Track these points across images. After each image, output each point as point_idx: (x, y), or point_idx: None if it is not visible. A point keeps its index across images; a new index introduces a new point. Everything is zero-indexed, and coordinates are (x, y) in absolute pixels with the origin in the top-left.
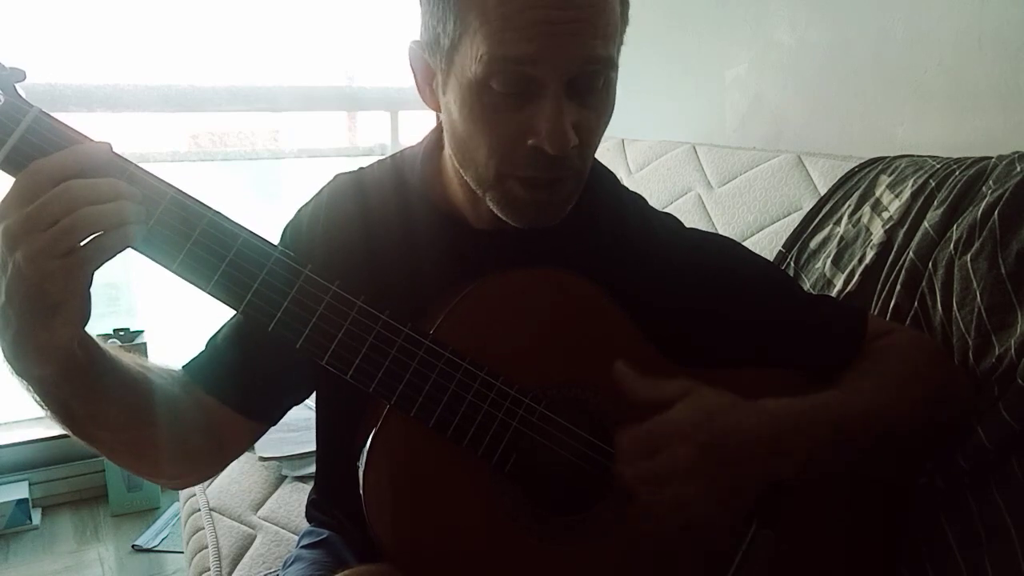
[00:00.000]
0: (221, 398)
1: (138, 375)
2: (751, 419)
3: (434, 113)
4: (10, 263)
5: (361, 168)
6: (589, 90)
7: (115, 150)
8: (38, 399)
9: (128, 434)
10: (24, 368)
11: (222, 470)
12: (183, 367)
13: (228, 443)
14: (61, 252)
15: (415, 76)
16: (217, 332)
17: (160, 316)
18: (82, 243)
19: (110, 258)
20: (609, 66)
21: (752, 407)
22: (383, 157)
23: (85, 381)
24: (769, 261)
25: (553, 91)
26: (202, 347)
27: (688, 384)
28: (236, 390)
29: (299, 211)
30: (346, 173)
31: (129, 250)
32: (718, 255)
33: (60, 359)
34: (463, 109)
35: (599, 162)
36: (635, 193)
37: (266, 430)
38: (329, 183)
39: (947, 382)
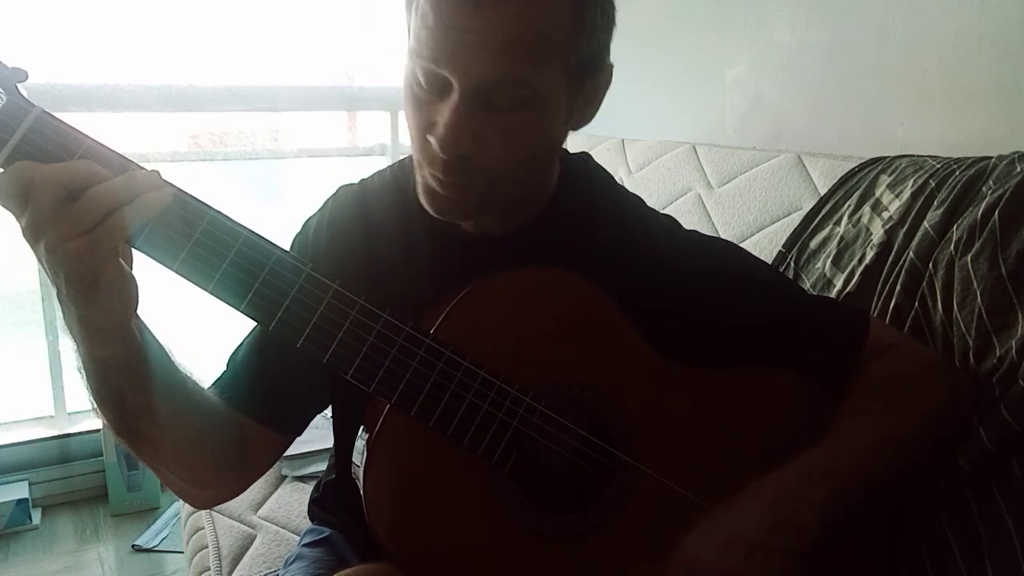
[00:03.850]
0: (246, 412)
1: (187, 377)
2: (750, 512)
3: None
4: (42, 255)
5: (363, 179)
6: (497, 106)
7: (116, 151)
8: (95, 387)
9: (177, 433)
10: (88, 351)
11: (249, 485)
12: (210, 386)
13: (256, 456)
14: (79, 233)
15: None
16: (236, 350)
17: (160, 316)
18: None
19: (132, 230)
20: (520, 88)
21: (745, 502)
22: (382, 158)
23: (141, 368)
24: (768, 264)
25: (458, 95)
26: (208, 359)
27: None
28: (260, 403)
29: (305, 223)
30: (348, 184)
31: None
32: (717, 256)
33: (118, 339)
34: (405, 98)
35: (596, 163)
36: (633, 194)
37: (290, 442)
38: (333, 195)
39: (953, 396)
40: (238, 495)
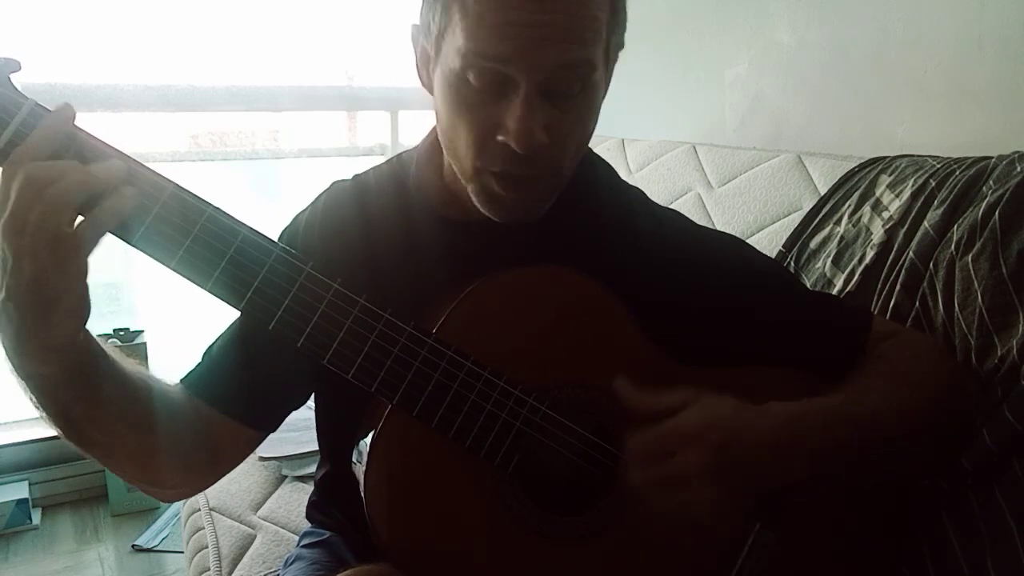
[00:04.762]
0: (220, 407)
1: (139, 382)
2: (760, 422)
3: (434, 113)
4: (11, 259)
5: (357, 175)
6: (564, 92)
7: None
8: (36, 400)
9: (129, 440)
10: (26, 367)
11: (217, 481)
12: (180, 380)
13: (226, 453)
14: (51, 238)
15: (415, 57)
16: (212, 344)
17: (160, 316)
18: (73, 226)
19: (102, 234)
20: (588, 69)
21: (760, 411)
22: (379, 163)
23: (88, 383)
24: (773, 260)
25: (525, 91)
26: (199, 357)
27: (691, 392)
28: (235, 398)
29: (295, 218)
30: (343, 180)
31: (129, 249)
32: (724, 252)
33: (63, 357)
34: (445, 98)
35: (598, 156)
36: (634, 187)
37: (264, 438)
38: (326, 190)
39: (954, 381)
40: (205, 489)
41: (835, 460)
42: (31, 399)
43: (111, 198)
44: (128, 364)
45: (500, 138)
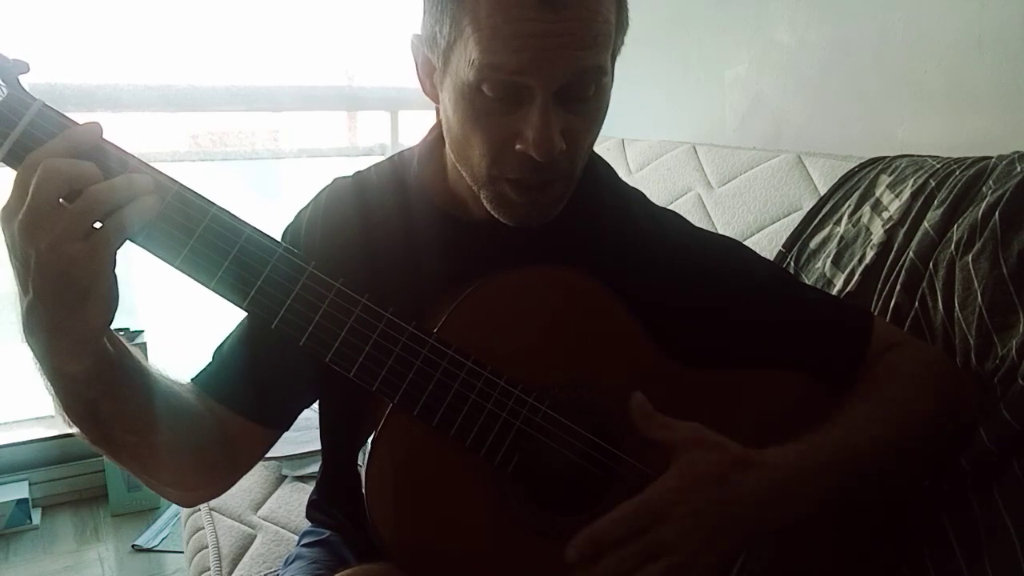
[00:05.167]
0: (232, 406)
1: (161, 379)
2: (750, 476)
3: (434, 112)
4: (32, 256)
5: (358, 171)
6: (579, 97)
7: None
8: (65, 401)
9: (153, 438)
10: (56, 367)
11: (237, 480)
12: (192, 380)
13: (242, 452)
14: (81, 234)
15: (416, 67)
16: (223, 342)
17: (160, 316)
18: (99, 223)
19: (129, 234)
20: (600, 74)
21: (752, 462)
22: (381, 159)
23: (116, 378)
24: (772, 262)
25: (541, 99)
26: (208, 357)
27: (694, 435)
28: (246, 396)
29: (298, 214)
30: (344, 177)
31: (130, 249)
32: (722, 254)
33: (93, 351)
34: (457, 109)
35: (598, 156)
36: (634, 187)
37: (278, 436)
38: (327, 186)
39: (955, 399)
40: (225, 492)
41: (839, 495)
42: (58, 400)
43: (139, 201)
44: (149, 363)
45: (518, 147)
